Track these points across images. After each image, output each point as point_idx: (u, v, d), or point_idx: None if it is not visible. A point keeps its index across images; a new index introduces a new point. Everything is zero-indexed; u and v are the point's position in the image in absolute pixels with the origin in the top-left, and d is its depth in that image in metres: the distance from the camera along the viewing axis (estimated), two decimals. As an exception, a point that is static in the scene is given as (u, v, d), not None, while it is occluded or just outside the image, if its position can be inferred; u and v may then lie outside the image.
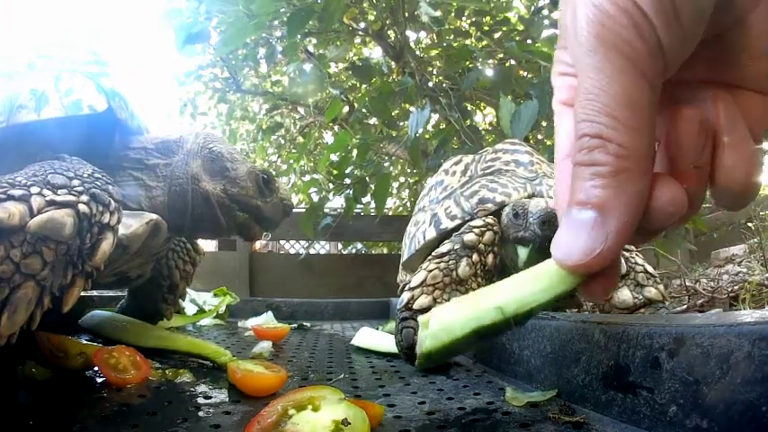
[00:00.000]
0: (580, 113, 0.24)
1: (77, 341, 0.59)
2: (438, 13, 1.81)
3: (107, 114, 0.59)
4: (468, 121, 1.99)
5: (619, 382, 0.37)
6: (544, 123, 1.81)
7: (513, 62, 2.04)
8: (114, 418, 0.40)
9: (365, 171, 1.81)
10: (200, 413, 0.42)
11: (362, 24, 2.41)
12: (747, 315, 0.30)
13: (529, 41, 1.94)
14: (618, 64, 0.23)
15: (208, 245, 2.57)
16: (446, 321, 0.32)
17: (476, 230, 0.69)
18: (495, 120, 2.09)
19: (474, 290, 0.66)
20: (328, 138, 3.49)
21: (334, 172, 1.88)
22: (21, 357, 0.52)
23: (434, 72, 2.22)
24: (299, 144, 3.34)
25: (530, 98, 1.36)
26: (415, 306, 0.63)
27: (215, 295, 1.20)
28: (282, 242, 3.46)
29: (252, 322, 1.03)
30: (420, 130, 1.67)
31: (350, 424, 0.31)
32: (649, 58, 0.23)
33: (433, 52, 2.43)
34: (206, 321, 1.08)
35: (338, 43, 2.42)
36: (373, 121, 2.20)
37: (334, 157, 1.87)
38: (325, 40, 2.39)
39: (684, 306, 1.09)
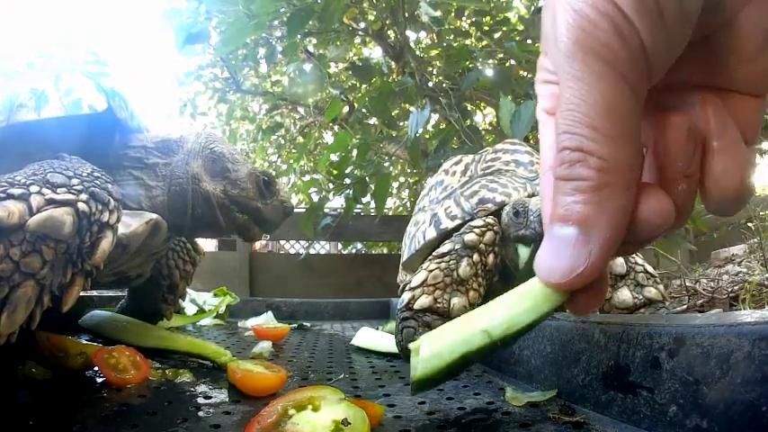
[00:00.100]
0: (560, 125, 0.23)
1: (77, 341, 0.59)
2: (438, 13, 1.81)
3: (107, 114, 0.59)
4: (468, 121, 1.99)
5: (619, 382, 0.37)
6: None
7: (513, 62, 2.04)
8: (114, 418, 0.40)
9: (365, 171, 1.81)
10: (200, 413, 0.42)
11: (362, 24, 2.41)
12: (747, 315, 0.30)
13: (529, 41, 1.94)
14: (597, 70, 0.22)
15: (208, 245, 2.57)
16: (436, 347, 0.32)
17: (476, 230, 0.69)
18: (495, 120, 2.09)
19: (475, 290, 0.67)
20: (328, 138, 3.49)
21: (334, 172, 1.88)
22: (21, 357, 0.52)
23: (434, 72, 2.22)
24: (299, 144, 3.34)
25: (530, 98, 1.37)
26: (416, 306, 0.63)
27: (215, 295, 1.20)
28: (282, 242, 3.46)
29: (252, 322, 1.03)
30: (420, 130, 1.67)
31: (350, 424, 0.31)
32: (631, 61, 0.22)
33: (433, 52, 2.43)
34: (206, 321, 1.08)
35: (338, 43, 2.42)
36: (373, 121, 2.20)
37: (334, 157, 1.87)
38: (325, 40, 2.39)
39: (684, 306, 1.09)
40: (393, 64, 2.22)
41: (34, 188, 0.40)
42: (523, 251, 0.67)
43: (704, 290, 1.15)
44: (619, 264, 0.67)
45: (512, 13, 2.31)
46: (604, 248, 0.23)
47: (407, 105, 2.17)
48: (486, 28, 2.25)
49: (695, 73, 0.26)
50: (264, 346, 0.72)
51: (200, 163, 0.63)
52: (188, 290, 1.01)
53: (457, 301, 0.63)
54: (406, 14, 1.92)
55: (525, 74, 2.05)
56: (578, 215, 0.23)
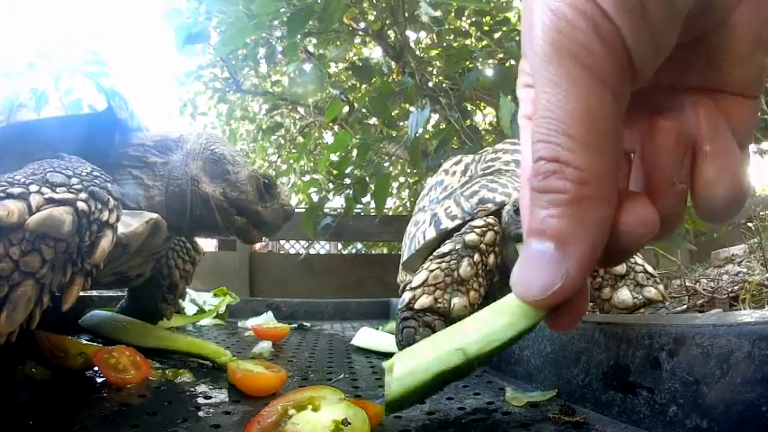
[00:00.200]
0: (536, 133, 0.22)
1: (77, 341, 0.59)
2: (438, 13, 1.81)
3: (107, 114, 0.59)
4: (468, 121, 1.99)
5: (619, 382, 0.37)
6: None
7: (513, 62, 2.04)
8: (114, 418, 0.40)
9: (365, 171, 1.81)
10: (200, 413, 0.42)
11: (362, 24, 2.41)
12: (747, 315, 0.30)
13: (529, 41, 1.93)
14: (575, 74, 0.20)
15: (208, 245, 2.57)
16: (410, 365, 0.31)
17: (477, 230, 0.69)
18: (495, 120, 2.09)
19: (475, 290, 0.67)
20: (328, 138, 3.49)
21: (334, 172, 1.89)
22: (21, 357, 0.52)
23: (434, 72, 2.22)
24: (299, 144, 3.34)
25: (530, 98, 1.36)
26: (417, 306, 0.63)
27: (215, 295, 1.20)
28: (282, 242, 3.46)
29: (252, 322, 1.03)
30: (420, 130, 1.67)
31: (350, 424, 0.31)
32: (612, 64, 0.20)
33: (433, 52, 2.43)
34: (206, 321, 1.08)
35: (338, 43, 2.42)
36: (373, 121, 2.20)
37: (334, 157, 1.87)
38: (325, 40, 2.39)
39: (684, 306, 1.09)
40: (393, 64, 2.22)
41: (34, 187, 0.40)
42: (523, 250, 0.67)
43: (704, 290, 1.15)
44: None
45: (512, 13, 2.31)
46: (582, 265, 0.22)
47: (407, 105, 2.17)
48: (486, 28, 2.25)
49: (686, 74, 0.25)
50: (264, 346, 0.72)
51: (199, 164, 0.63)
52: (188, 290, 1.01)
53: (457, 301, 0.63)
54: (406, 14, 1.92)
55: (525, 74, 2.04)
56: (554, 230, 0.22)
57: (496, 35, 2.20)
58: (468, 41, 2.28)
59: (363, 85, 2.51)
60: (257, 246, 2.77)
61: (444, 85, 1.91)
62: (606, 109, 0.21)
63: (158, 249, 0.70)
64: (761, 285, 1.04)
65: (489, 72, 1.91)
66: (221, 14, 1.80)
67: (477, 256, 0.67)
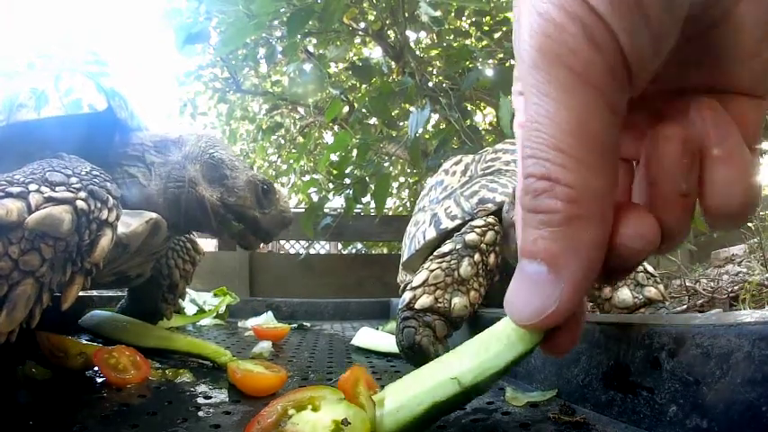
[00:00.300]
0: (525, 147, 0.20)
1: (77, 341, 0.59)
2: (438, 13, 1.81)
3: (107, 114, 0.59)
4: (468, 121, 1.99)
5: (619, 382, 0.37)
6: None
7: (513, 62, 2.04)
8: (114, 418, 0.40)
9: (365, 171, 1.81)
10: (200, 413, 0.42)
11: (362, 24, 2.41)
12: (747, 315, 0.30)
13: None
14: (566, 82, 0.19)
15: (208, 245, 2.57)
16: (402, 399, 0.30)
17: (477, 230, 0.69)
18: (495, 120, 2.09)
19: (476, 290, 0.66)
20: (328, 138, 3.49)
21: (334, 172, 1.89)
22: (21, 357, 0.52)
23: (434, 72, 2.22)
24: (299, 144, 3.34)
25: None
26: (417, 306, 0.63)
27: (215, 295, 1.20)
28: (282, 242, 3.46)
29: (252, 322, 1.03)
30: (420, 130, 1.67)
31: (350, 424, 0.31)
32: (606, 70, 0.19)
33: (433, 52, 2.43)
34: (206, 321, 1.08)
35: (338, 43, 2.42)
36: (373, 121, 2.20)
37: (334, 157, 1.87)
38: (325, 40, 2.39)
39: (684, 306, 1.09)
40: (393, 64, 2.22)
41: (33, 186, 0.40)
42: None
43: (704, 290, 1.15)
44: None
45: (512, 12, 2.31)
46: (576, 286, 0.21)
47: (407, 105, 2.17)
48: (486, 28, 2.25)
49: (688, 75, 0.24)
50: (264, 346, 0.72)
51: (198, 167, 0.63)
52: (188, 290, 1.01)
53: (458, 301, 0.63)
54: (406, 14, 1.92)
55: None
56: (545, 252, 0.21)
57: (496, 35, 2.20)
58: (468, 41, 2.28)
59: (363, 85, 2.51)
60: (257, 246, 2.77)
61: (444, 85, 1.91)
62: (600, 119, 0.19)
63: (158, 249, 0.70)
64: (761, 285, 1.04)
65: (489, 72, 1.91)
66: (221, 14, 1.80)
67: (477, 256, 0.67)
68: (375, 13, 2.25)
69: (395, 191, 3.31)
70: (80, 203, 0.41)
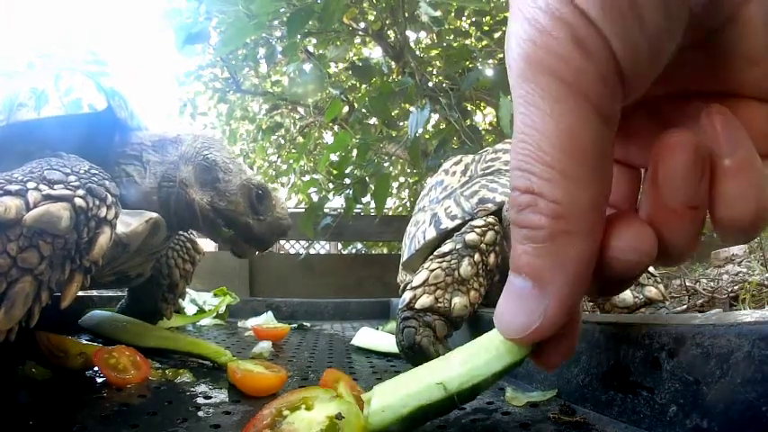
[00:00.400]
0: (512, 159, 0.20)
1: (77, 341, 0.59)
2: (438, 13, 1.81)
3: (107, 113, 0.59)
4: (468, 121, 1.99)
5: (619, 382, 0.37)
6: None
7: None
8: (114, 418, 0.40)
9: (365, 171, 1.81)
10: (200, 413, 0.42)
11: (362, 24, 2.42)
12: (747, 315, 0.30)
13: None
14: (553, 92, 0.18)
15: (208, 245, 2.56)
16: (388, 400, 0.30)
17: (477, 230, 0.69)
18: (495, 120, 2.09)
19: (476, 290, 0.67)
20: (328, 138, 3.49)
21: (334, 172, 1.89)
22: (21, 357, 0.52)
23: (434, 72, 2.22)
24: (299, 144, 3.34)
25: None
26: (417, 305, 0.63)
27: (215, 295, 1.20)
28: (282, 242, 3.46)
29: (252, 322, 1.03)
30: (420, 130, 1.67)
31: (344, 418, 0.31)
32: (598, 79, 0.18)
33: (433, 52, 2.44)
34: (206, 321, 1.08)
35: (338, 43, 2.42)
36: (373, 121, 2.20)
37: (334, 157, 1.87)
38: (325, 40, 2.39)
39: (684, 306, 1.09)
40: (393, 64, 2.22)
41: (31, 184, 0.40)
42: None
43: (704, 290, 1.15)
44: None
45: (511, 13, 2.31)
46: (562, 302, 0.20)
47: (407, 105, 2.17)
48: (486, 28, 2.25)
49: (695, 79, 0.22)
50: (264, 346, 0.72)
51: (190, 169, 0.61)
52: (188, 290, 1.01)
53: (458, 301, 0.63)
54: (406, 14, 1.92)
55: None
56: (529, 267, 0.20)
57: (496, 35, 2.20)
58: (468, 41, 2.28)
59: (363, 85, 2.51)
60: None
61: (444, 85, 1.91)
62: (590, 130, 0.18)
63: (158, 249, 0.70)
64: (761, 285, 1.04)
65: (489, 72, 1.91)
66: (221, 14, 1.80)
67: (477, 256, 0.67)
68: (375, 13, 2.25)
69: (395, 191, 3.31)
70: (78, 201, 0.41)
